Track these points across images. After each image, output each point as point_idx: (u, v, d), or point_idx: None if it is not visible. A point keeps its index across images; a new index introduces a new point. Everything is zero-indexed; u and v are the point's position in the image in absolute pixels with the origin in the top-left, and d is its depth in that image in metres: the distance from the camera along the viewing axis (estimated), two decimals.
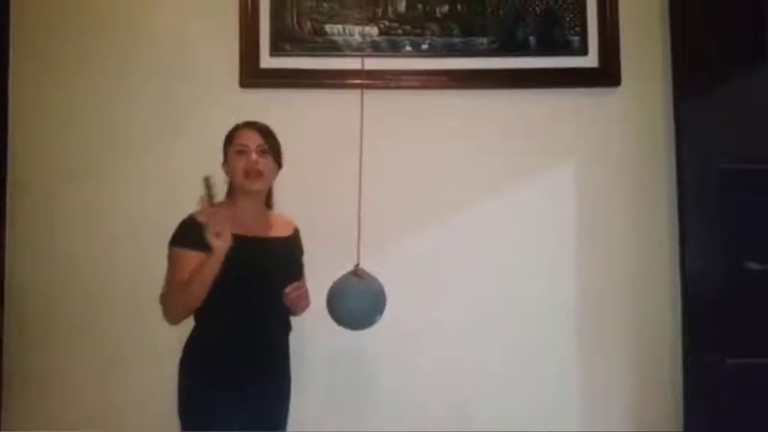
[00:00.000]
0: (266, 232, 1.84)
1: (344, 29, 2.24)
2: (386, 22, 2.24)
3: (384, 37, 2.24)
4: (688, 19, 2.18)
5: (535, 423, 2.19)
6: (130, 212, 2.20)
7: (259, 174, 1.78)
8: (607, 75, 2.24)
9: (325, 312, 1.80)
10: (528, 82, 2.25)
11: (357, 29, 2.24)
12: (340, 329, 1.81)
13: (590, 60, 2.24)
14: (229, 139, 1.83)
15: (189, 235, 1.70)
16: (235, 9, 2.21)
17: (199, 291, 1.68)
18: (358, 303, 1.78)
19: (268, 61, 2.21)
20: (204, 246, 1.66)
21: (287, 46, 2.22)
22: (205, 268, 1.66)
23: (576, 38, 2.25)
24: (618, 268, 2.25)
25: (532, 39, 2.25)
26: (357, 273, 1.79)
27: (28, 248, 2.22)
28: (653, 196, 2.25)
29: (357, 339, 2.06)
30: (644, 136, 2.26)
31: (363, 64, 1.98)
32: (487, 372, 2.22)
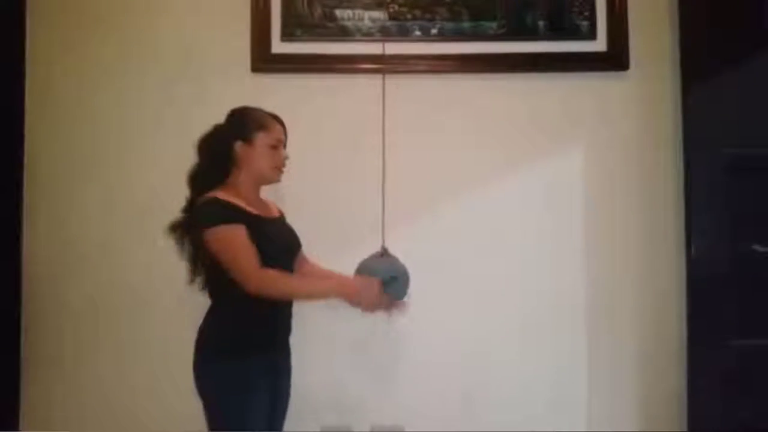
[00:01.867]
0: (271, 213, 1.90)
1: (354, 14, 2.25)
2: (396, 7, 2.26)
3: (394, 22, 2.25)
4: (695, 4, 2.19)
5: (540, 407, 2.23)
6: (145, 202, 2.22)
7: (282, 171, 1.87)
8: (615, 59, 2.25)
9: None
10: (537, 67, 2.26)
11: (367, 14, 2.25)
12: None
13: (599, 44, 2.25)
14: (261, 125, 1.82)
15: (225, 212, 1.71)
16: None
17: (279, 296, 1.77)
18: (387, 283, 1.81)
19: (279, 46, 2.24)
20: (240, 220, 1.70)
21: (298, 31, 2.24)
22: (314, 289, 1.83)
23: (585, 23, 2.26)
24: (625, 251, 2.27)
25: (541, 23, 2.26)
26: (385, 254, 1.82)
27: (44, 239, 2.25)
28: (660, 179, 2.27)
29: (353, 323, 2.12)
30: (651, 120, 2.27)
31: (384, 49, 1.98)
32: (493, 361, 2.25)
